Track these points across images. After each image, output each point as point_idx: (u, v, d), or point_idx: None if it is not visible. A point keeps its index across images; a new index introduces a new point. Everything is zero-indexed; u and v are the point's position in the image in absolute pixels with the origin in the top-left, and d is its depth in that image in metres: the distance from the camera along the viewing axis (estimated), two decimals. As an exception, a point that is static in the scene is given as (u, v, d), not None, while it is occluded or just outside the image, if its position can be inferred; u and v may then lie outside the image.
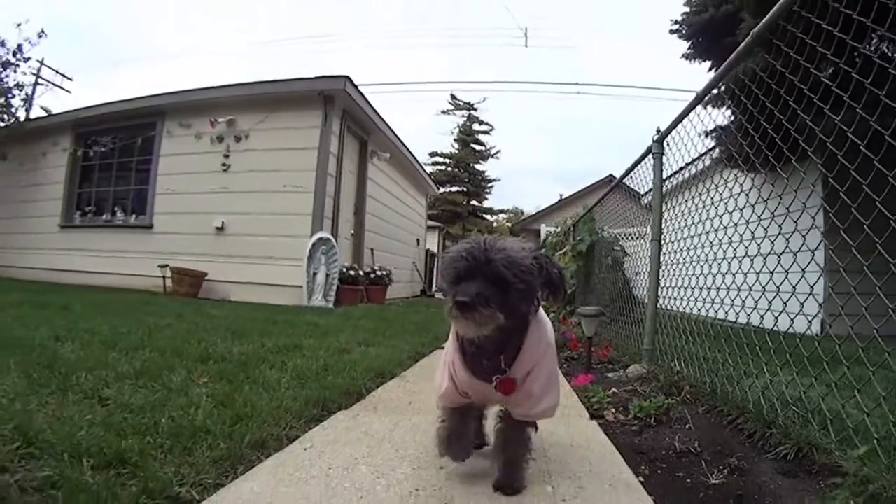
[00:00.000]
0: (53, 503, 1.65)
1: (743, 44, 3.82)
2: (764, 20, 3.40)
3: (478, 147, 45.45)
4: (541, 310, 2.31)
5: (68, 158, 14.83)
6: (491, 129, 45.77)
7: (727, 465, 2.60)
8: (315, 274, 11.53)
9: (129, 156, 14.28)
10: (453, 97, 44.72)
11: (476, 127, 45.42)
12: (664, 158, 5.49)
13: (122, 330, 5.43)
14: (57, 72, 23.18)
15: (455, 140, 45.38)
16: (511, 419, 2.35)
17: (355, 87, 12.64)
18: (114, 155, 14.49)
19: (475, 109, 45.22)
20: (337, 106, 12.52)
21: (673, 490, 2.38)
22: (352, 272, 12.75)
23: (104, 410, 2.69)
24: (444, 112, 45.86)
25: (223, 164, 12.74)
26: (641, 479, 2.45)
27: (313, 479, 2.13)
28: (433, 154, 44.53)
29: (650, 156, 5.66)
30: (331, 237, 12.02)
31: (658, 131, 5.49)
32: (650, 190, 5.70)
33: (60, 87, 23.02)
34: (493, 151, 45.88)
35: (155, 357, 4.13)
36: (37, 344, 4.23)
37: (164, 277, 12.05)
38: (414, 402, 3.70)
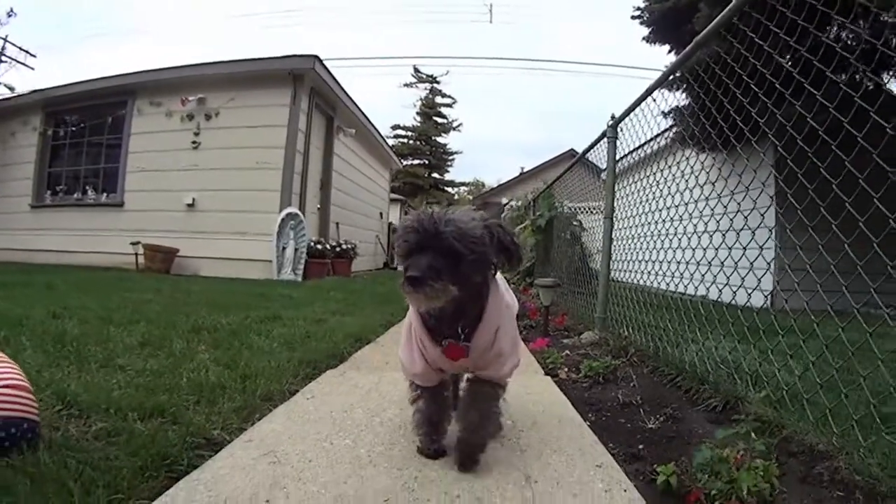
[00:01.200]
0: (117, 447, 2.05)
1: (692, 44, 4.04)
2: (710, 25, 3.70)
3: (440, 120, 45.15)
4: (498, 275, 2.34)
5: (38, 138, 14.80)
6: (453, 103, 45.66)
7: (663, 413, 3.05)
8: (284, 248, 11.83)
9: (99, 134, 14.29)
10: (416, 70, 44.43)
11: (438, 100, 45.15)
12: (618, 142, 5.92)
13: (111, 306, 5.79)
14: (21, 48, 22.93)
15: (417, 113, 45.23)
16: (478, 383, 2.38)
17: (324, 65, 12.89)
18: (84, 134, 14.51)
19: (438, 82, 44.96)
20: (306, 84, 12.78)
21: (615, 431, 2.84)
22: (319, 246, 13.11)
23: (125, 375, 3.07)
24: (406, 85, 45.48)
25: (193, 142, 12.90)
26: (588, 423, 2.91)
27: (321, 420, 2.60)
28: (395, 127, 44.38)
29: (605, 139, 6.09)
30: (299, 212, 12.33)
31: (613, 117, 5.91)
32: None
33: (24, 65, 22.79)
34: (455, 124, 45.67)
35: (152, 329, 4.47)
36: (38, 321, 4.53)
37: (136, 254, 12.26)
38: (390, 362, 4.10)
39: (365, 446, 2.35)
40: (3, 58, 16.09)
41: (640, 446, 2.63)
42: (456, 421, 2.40)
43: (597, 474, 2.19)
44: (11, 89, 14.45)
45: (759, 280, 3.28)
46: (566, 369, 4.17)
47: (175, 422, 2.38)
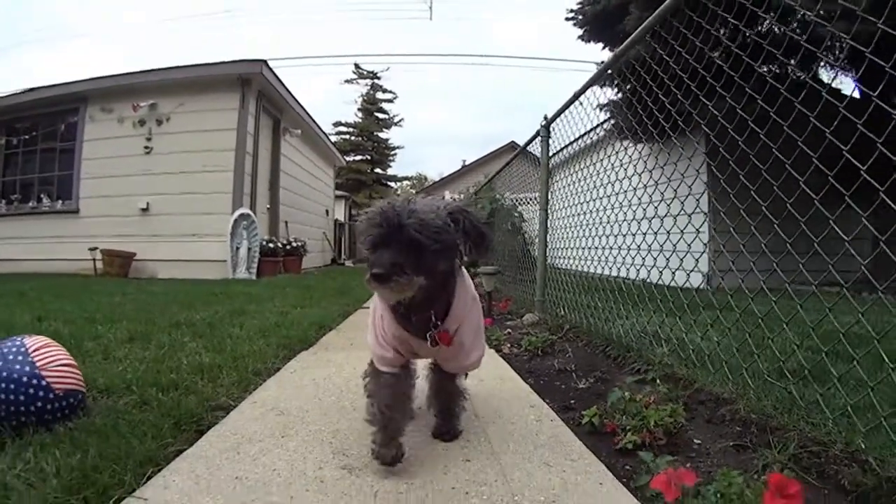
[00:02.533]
0: (150, 412, 2.53)
1: (611, 56, 4.49)
2: (639, 29, 3.93)
3: (381, 116, 45.24)
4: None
5: None
6: (394, 98, 45.82)
7: (593, 376, 3.59)
8: (238, 248, 12.23)
9: (52, 142, 14.38)
10: (357, 67, 44.35)
11: (380, 96, 45.20)
12: (550, 141, 6.46)
13: (88, 308, 6.18)
14: None
15: (359, 109, 45.21)
16: (443, 371, 2.49)
17: (271, 70, 13.31)
18: (37, 141, 14.53)
19: (379, 78, 44.93)
20: (253, 88, 13.18)
21: (551, 391, 3.36)
22: (271, 245, 13.56)
23: (129, 363, 3.51)
24: (347, 81, 45.34)
25: (146, 147, 13.18)
26: (528, 386, 3.45)
27: (307, 386, 3.15)
28: (337, 124, 44.38)
29: (538, 138, 6.62)
30: (251, 213, 12.73)
31: (545, 118, 6.44)
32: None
33: None
34: (396, 120, 45.82)
35: (135, 326, 4.86)
36: (27, 325, 4.89)
37: (94, 260, 12.46)
38: (354, 344, 4.69)
39: (348, 400, 2.95)
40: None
41: (572, 401, 3.13)
42: (427, 408, 2.60)
43: (530, 412, 2.81)
44: None
45: (697, 262, 3.50)
46: (508, 345, 4.72)
47: (189, 392, 2.87)
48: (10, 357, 2.26)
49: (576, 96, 5.54)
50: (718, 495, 1.68)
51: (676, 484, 1.70)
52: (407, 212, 1.93)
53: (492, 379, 3.48)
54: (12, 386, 2.19)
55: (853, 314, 2.28)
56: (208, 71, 13.35)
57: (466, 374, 2.75)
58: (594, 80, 5.30)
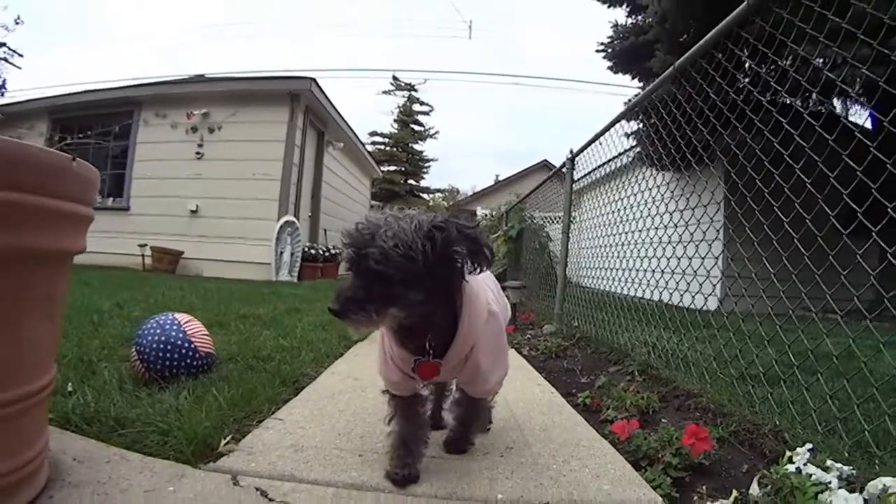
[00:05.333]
0: (260, 374, 3.41)
1: (636, 99, 5.14)
2: (647, 89, 4.78)
3: (417, 127, 44.99)
4: (478, 279, 2.16)
5: (45, 143, 14.84)
6: (430, 111, 45.61)
7: (594, 374, 4.37)
8: (282, 253, 12.93)
9: (105, 142, 14.81)
10: (395, 78, 44.08)
11: (416, 108, 45.04)
12: (574, 172, 7.26)
13: (157, 298, 6.93)
14: (10, 48, 22.78)
15: (395, 120, 45.03)
16: (466, 395, 2.38)
17: (319, 87, 14.03)
18: (91, 141, 14.62)
19: (416, 90, 44.95)
20: (302, 102, 13.86)
21: (558, 384, 4.11)
22: (312, 251, 14.33)
23: (222, 342, 4.27)
24: (385, 92, 45.15)
25: (197, 153, 13.83)
26: (538, 374, 4.31)
27: (371, 364, 3.91)
28: (373, 133, 44.15)
29: (563, 169, 7.44)
30: (295, 220, 13.44)
31: (571, 152, 7.22)
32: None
33: (13, 65, 22.80)
34: (431, 132, 45.49)
35: (209, 315, 5.55)
36: (111, 309, 5.61)
37: (143, 256, 13.14)
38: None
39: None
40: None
41: (573, 389, 3.89)
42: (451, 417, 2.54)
43: (536, 388, 3.76)
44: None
45: (714, 287, 3.87)
46: (528, 348, 5.55)
47: (282, 364, 3.73)
48: (167, 327, 3.17)
49: (597, 136, 6.25)
50: (656, 438, 2.50)
51: (628, 429, 2.56)
52: (372, 237, 1.78)
53: (511, 368, 4.30)
54: (170, 347, 3.10)
55: (846, 337, 2.59)
56: (260, 85, 14.16)
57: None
58: (616, 121, 5.86)
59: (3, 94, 14.01)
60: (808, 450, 1.94)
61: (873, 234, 2.47)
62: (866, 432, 2.33)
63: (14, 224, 1.47)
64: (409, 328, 1.99)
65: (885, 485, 1.63)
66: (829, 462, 1.87)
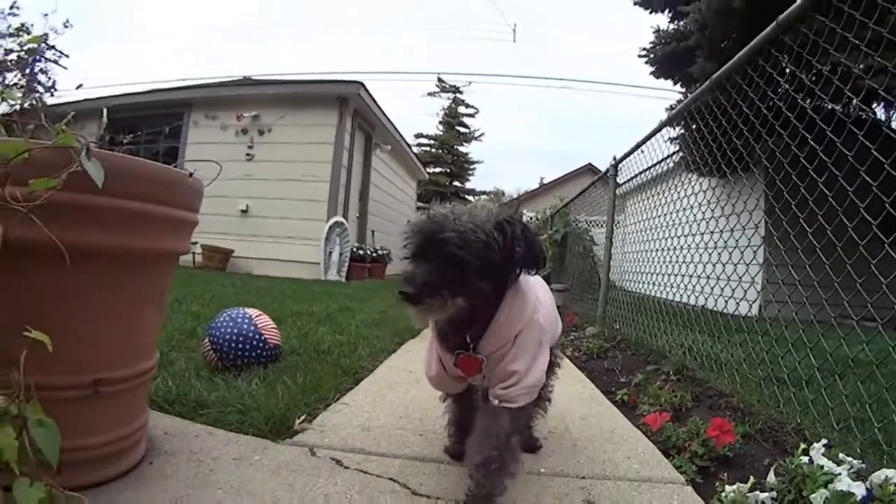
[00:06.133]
0: (322, 365, 3.70)
1: (675, 110, 5.26)
2: (687, 100, 4.83)
3: (462, 129, 44.04)
4: (529, 279, 2.12)
5: (96, 143, 15.43)
6: (476, 113, 44.72)
7: (633, 373, 4.54)
8: (331, 253, 13.19)
9: (156, 142, 15.10)
10: (440, 80, 43.57)
11: (461, 110, 44.20)
12: (618, 178, 7.44)
13: (214, 294, 7.23)
14: (57, 49, 22.75)
15: (440, 122, 44.27)
16: (488, 402, 2.10)
17: (367, 91, 14.26)
18: (141, 141, 15.02)
19: (461, 92, 44.12)
20: (350, 106, 14.09)
21: (598, 382, 4.33)
22: (360, 251, 14.60)
23: (283, 336, 4.42)
24: (430, 94, 44.59)
25: (247, 155, 14.08)
26: (580, 372, 4.55)
27: (422, 359, 4.22)
28: (419, 135, 43.55)
29: (608, 174, 7.65)
30: (344, 221, 13.69)
31: (614, 158, 7.40)
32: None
33: (59, 65, 22.66)
34: (477, 134, 44.52)
35: (266, 312, 5.88)
36: (170, 304, 5.95)
37: (193, 253, 13.17)
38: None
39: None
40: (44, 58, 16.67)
41: (613, 388, 4.10)
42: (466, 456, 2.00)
43: (578, 384, 4.04)
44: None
45: (758, 293, 3.97)
46: (571, 349, 5.77)
47: (341, 357, 4.04)
48: (239, 320, 3.51)
49: (639, 145, 6.45)
50: (684, 430, 2.74)
51: (660, 420, 2.81)
52: (449, 223, 1.80)
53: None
54: (242, 338, 3.43)
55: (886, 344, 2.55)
56: (310, 89, 14.43)
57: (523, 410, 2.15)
58: (657, 130, 6.04)
59: (52, 95, 14.31)
60: (824, 445, 2.05)
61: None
62: (877, 430, 2.51)
63: (143, 229, 1.79)
64: (458, 321, 1.95)
65: (886, 476, 1.79)
66: (841, 456, 2.00)
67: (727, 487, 2.03)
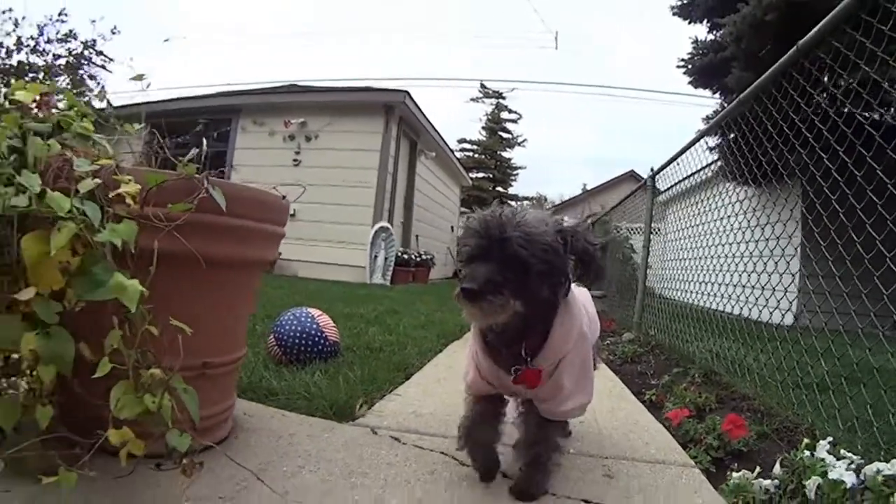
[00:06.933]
0: (374, 360, 4.08)
1: (709, 124, 5.35)
2: (723, 112, 4.90)
3: (505, 135, 44.86)
4: (574, 291, 2.07)
5: (144, 147, 15.61)
6: (519, 118, 45.25)
7: (663, 376, 4.84)
8: (376, 257, 13.52)
9: (200, 146, 15.23)
10: (483, 86, 44.28)
11: (504, 115, 44.80)
12: (655, 188, 7.71)
13: (265, 296, 7.45)
14: (102, 54, 22.75)
15: (483, 128, 44.91)
16: (537, 414, 2.12)
17: (412, 99, 14.53)
18: (188, 146, 15.44)
19: (504, 98, 44.64)
20: (396, 114, 14.39)
21: (630, 384, 4.57)
22: (405, 256, 14.94)
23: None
24: (473, 100, 45.39)
25: (294, 160, 14.49)
26: (612, 373, 4.85)
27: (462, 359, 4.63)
28: (461, 140, 43.98)
29: (645, 186, 7.93)
30: (389, 226, 14.04)
31: (652, 170, 7.65)
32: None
33: (105, 69, 22.68)
34: (520, 140, 45.30)
35: None
36: None
37: None
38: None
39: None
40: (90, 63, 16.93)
41: (643, 389, 4.32)
42: (514, 458, 2.21)
43: (609, 383, 4.35)
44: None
45: (791, 303, 3.93)
46: (607, 353, 6.01)
47: (392, 354, 4.39)
48: (302, 319, 3.91)
49: (675, 157, 6.68)
50: (702, 425, 3.04)
51: (681, 416, 3.12)
52: (513, 223, 1.76)
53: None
54: (305, 336, 3.82)
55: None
56: (356, 97, 14.82)
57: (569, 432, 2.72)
58: (692, 144, 6.14)
59: (101, 100, 14.66)
60: (829, 442, 2.26)
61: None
62: (875, 430, 2.72)
63: (248, 241, 2.23)
64: (510, 331, 1.91)
65: (878, 468, 2.00)
66: (842, 451, 2.21)
67: (734, 474, 2.29)
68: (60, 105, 2.14)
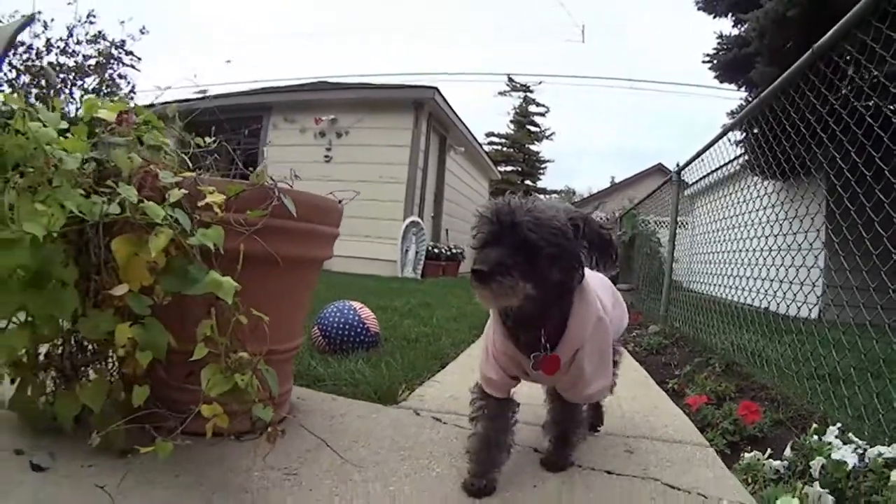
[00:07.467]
0: (412, 350, 4.34)
1: (734, 120, 5.40)
2: (747, 108, 4.95)
3: (533, 128, 44.36)
4: (590, 279, 2.13)
5: (176, 144, 15.78)
6: (546, 112, 44.74)
7: (686, 367, 5.02)
8: (407, 251, 13.86)
9: (235, 144, 15.26)
10: (510, 79, 44.04)
11: (532, 109, 44.40)
12: (682, 182, 7.89)
13: None
14: (130, 53, 22.70)
15: (511, 121, 44.52)
16: (562, 398, 2.26)
17: (441, 95, 14.78)
18: (221, 142, 15.40)
19: (531, 91, 44.27)
20: (425, 110, 14.69)
21: (654, 374, 4.78)
22: (436, 250, 15.22)
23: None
24: (501, 93, 44.98)
25: (325, 156, 14.86)
26: (637, 363, 5.07)
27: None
28: (489, 134, 43.52)
29: (671, 181, 8.11)
30: (420, 220, 14.34)
31: (677, 165, 7.84)
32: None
33: (133, 67, 22.61)
34: (547, 133, 44.73)
35: None
36: None
37: None
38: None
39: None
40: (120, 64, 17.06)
41: (666, 379, 4.52)
42: (543, 434, 2.38)
43: (633, 372, 4.57)
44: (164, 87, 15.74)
45: (818, 297, 4.02)
46: (632, 345, 6.23)
47: (428, 345, 4.65)
48: (345, 311, 4.19)
49: (700, 153, 6.84)
50: (720, 411, 3.26)
51: (699, 402, 3.35)
52: (523, 209, 1.81)
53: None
54: (348, 327, 4.11)
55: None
56: (386, 94, 15.16)
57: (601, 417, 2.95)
58: (716, 140, 6.32)
59: (132, 99, 14.99)
60: (838, 428, 2.44)
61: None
62: (881, 417, 2.87)
63: (311, 242, 2.58)
64: (526, 316, 1.97)
65: (879, 451, 2.17)
66: (850, 436, 2.39)
67: (745, 455, 2.51)
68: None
